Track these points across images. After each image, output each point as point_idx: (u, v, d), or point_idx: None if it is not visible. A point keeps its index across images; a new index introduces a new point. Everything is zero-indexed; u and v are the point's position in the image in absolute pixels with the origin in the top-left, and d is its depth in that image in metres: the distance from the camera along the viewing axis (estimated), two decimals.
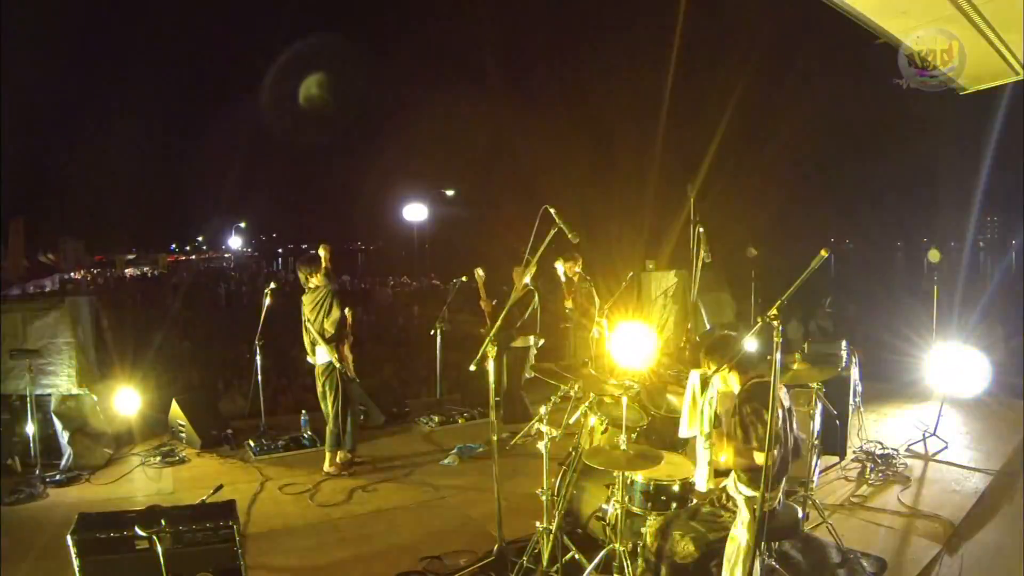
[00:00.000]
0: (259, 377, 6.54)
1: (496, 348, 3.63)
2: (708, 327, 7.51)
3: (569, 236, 3.66)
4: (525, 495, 4.02)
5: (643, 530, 3.28)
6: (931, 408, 5.95)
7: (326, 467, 5.30)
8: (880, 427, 6.00)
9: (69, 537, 2.86)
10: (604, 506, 3.49)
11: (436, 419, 6.68)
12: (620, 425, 3.24)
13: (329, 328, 5.23)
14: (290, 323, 5.74)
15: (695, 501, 3.30)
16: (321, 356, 5.27)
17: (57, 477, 5.10)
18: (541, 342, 6.58)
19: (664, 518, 3.22)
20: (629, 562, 3.16)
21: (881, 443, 5.36)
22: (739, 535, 2.93)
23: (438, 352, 7.49)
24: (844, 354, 5.21)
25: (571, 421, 3.85)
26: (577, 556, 3.47)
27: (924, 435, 5.57)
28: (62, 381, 5.49)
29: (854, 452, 5.29)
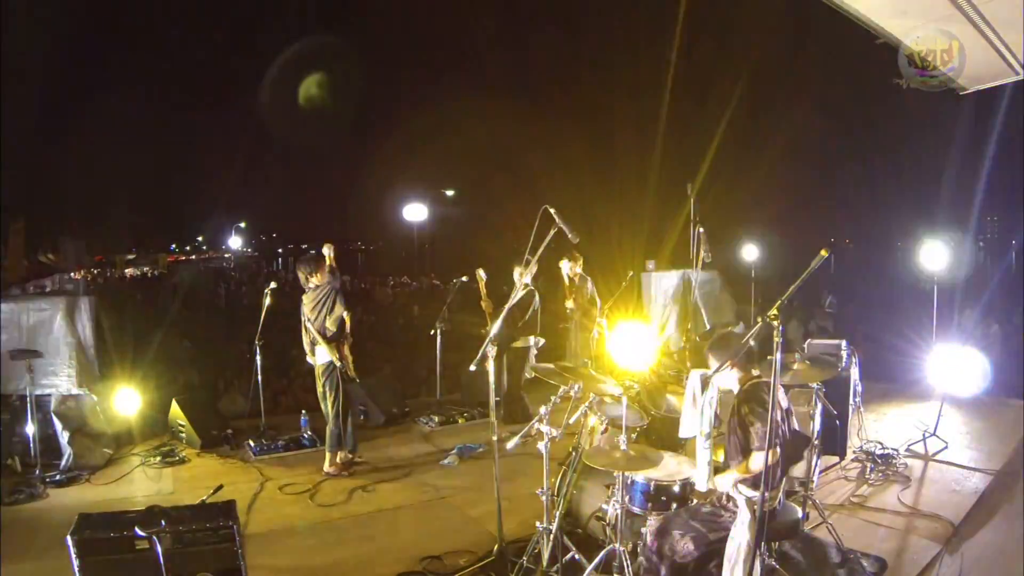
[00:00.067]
0: (259, 377, 6.54)
1: (496, 348, 3.64)
2: (708, 327, 7.52)
3: (569, 236, 3.67)
4: (525, 495, 4.02)
5: (643, 530, 3.28)
6: (931, 408, 5.95)
7: (326, 467, 5.30)
8: (880, 427, 6.00)
9: (69, 537, 2.86)
10: (604, 506, 3.49)
11: (436, 419, 6.68)
12: (620, 425, 3.24)
13: (331, 326, 5.23)
14: (290, 323, 5.75)
15: (695, 501, 3.30)
16: (321, 356, 5.27)
17: (57, 477, 5.10)
18: (541, 342, 6.58)
19: (664, 518, 3.21)
20: (629, 562, 3.16)
21: (881, 443, 5.36)
22: (739, 535, 2.93)
23: (438, 352, 7.49)
24: (844, 354, 5.21)
25: (571, 421, 3.85)
26: (577, 556, 3.47)
27: (924, 435, 5.57)
28: (62, 381, 5.49)
29: (854, 452, 5.29)
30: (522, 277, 5.49)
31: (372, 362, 9.62)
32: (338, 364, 5.23)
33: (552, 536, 3.45)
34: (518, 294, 6.06)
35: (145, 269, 37.00)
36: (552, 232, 3.67)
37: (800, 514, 3.35)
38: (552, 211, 3.61)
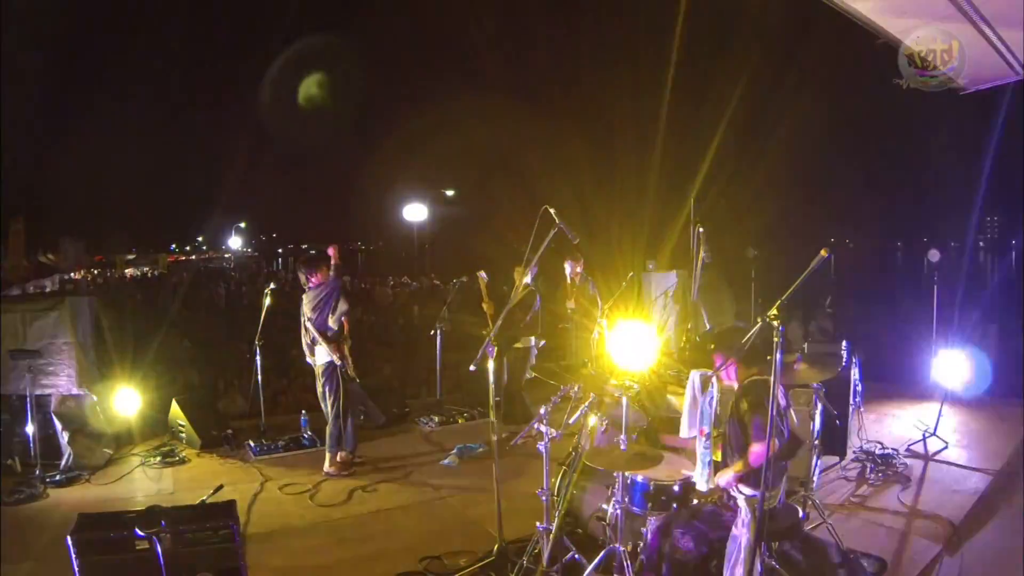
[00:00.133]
0: (259, 377, 6.54)
1: (497, 348, 3.64)
2: (708, 327, 7.51)
3: (569, 236, 3.67)
4: (525, 495, 4.02)
5: (643, 530, 3.28)
6: (931, 408, 5.95)
7: (326, 467, 5.30)
8: (880, 427, 6.00)
9: (69, 537, 2.86)
10: (604, 506, 3.49)
11: (436, 419, 6.68)
12: (620, 425, 3.24)
13: (334, 324, 5.23)
14: (290, 323, 5.75)
15: (696, 500, 3.30)
16: (321, 356, 5.27)
17: (57, 477, 5.10)
18: (542, 342, 6.58)
19: (665, 517, 3.21)
20: (629, 562, 3.16)
21: (881, 443, 5.36)
22: (739, 534, 2.93)
23: (438, 352, 7.49)
24: (844, 354, 5.21)
25: (571, 421, 3.85)
26: (577, 556, 3.47)
27: (924, 435, 5.57)
28: (62, 381, 5.49)
29: (854, 452, 5.29)
30: (522, 277, 5.48)
31: (372, 362, 9.62)
32: (339, 363, 5.22)
33: (552, 536, 3.45)
34: (518, 294, 6.10)
35: (145, 269, 36.99)
36: (552, 232, 3.68)
37: (800, 514, 3.35)
38: (552, 211, 3.61)
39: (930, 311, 6.64)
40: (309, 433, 6.01)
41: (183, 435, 5.99)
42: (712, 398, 3.13)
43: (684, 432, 3.33)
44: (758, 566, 2.74)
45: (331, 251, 5.46)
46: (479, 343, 3.62)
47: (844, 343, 5.32)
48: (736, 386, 3.16)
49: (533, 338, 6.51)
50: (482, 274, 6.49)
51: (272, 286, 6.65)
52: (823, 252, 2.48)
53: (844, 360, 5.15)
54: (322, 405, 5.38)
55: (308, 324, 5.28)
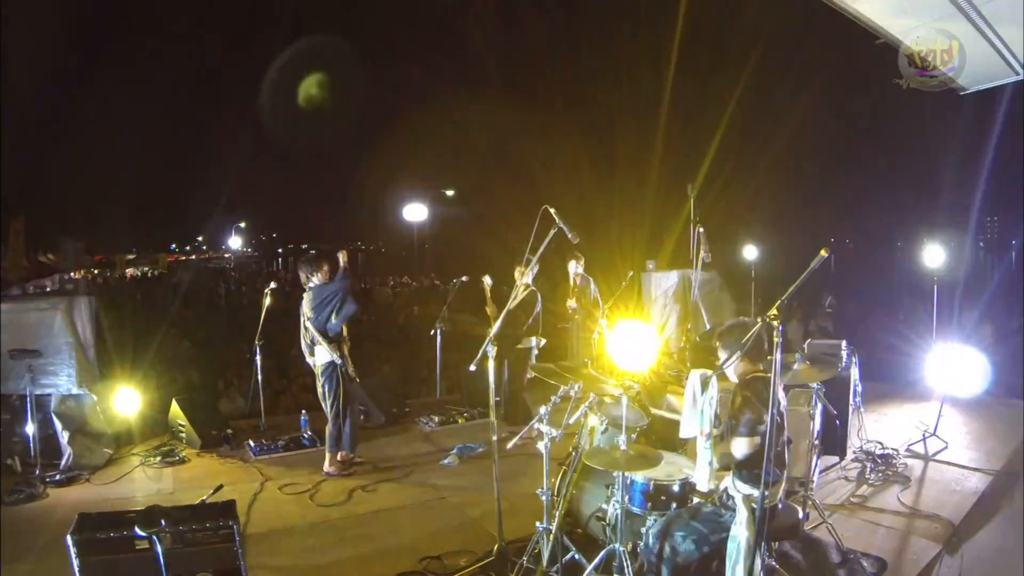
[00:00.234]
0: (259, 377, 6.55)
1: (496, 348, 3.64)
2: (708, 327, 7.51)
3: (569, 236, 3.67)
4: (525, 495, 4.02)
5: (643, 530, 3.28)
6: (931, 408, 5.95)
7: (326, 467, 5.30)
8: (880, 427, 5.99)
9: (69, 537, 2.86)
10: (604, 506, 3.49)
11: (436, 419, 6.67)
12: (620, 425, 3.24)
13: (337, 325, 5.23)
14: (290, 323, 5.75)
15: (697, 500, 3.30)
16: (321, 356, 5.27)
17: (57, 477, 5.10)
18: (542, 342, 6.59)
19: (665, 519, 3.21)
20: (629, 562, 3.16)
21: (881, 443, 5.36)
22: (739, 534, 2.93)
23: (438, 352, 7.50)
24: (844, 354, 5.21)
25: (571, 421, 3.85)
26: (577, 556, 3.47)
27: (924, 435, 5.57)
28: (62, 381, 5.49)
29: (854, 452, 5.29)
30: (522, 277, 5.48)
31: (372, 362, 9.63)
32: (339, 363, 5.22)
33: (552, 536, 3.45)
34: (518, 294, 6.10)
35: (145, 269, 37.00)
36: (552, 232, 3.68)
37: (800, 514, 3.35)
38: (552, 211, 3.61)
39: (930, 311, 6.64)
40: (309, 433, 6.01)
41: (183, 435, 5.99)
42: (712, 398, 3.13)
43: (684, 432, 3.32)
44: (758, 566, 2.74)
45: (341, 256, 5.49)
46: (479, 343, 3.62)
47: (844, 343, 5.32)
48: (735, 382, 3.16)
49: (534, 338, 6.51)
50: (486, 279, 6.50)
51: (272, 286, 6.65)
52: (823, 252, 2.48)
53: (844, 360, 5.15)
54: (322, 405, 5.38)
55: (308, 324, 5.28)
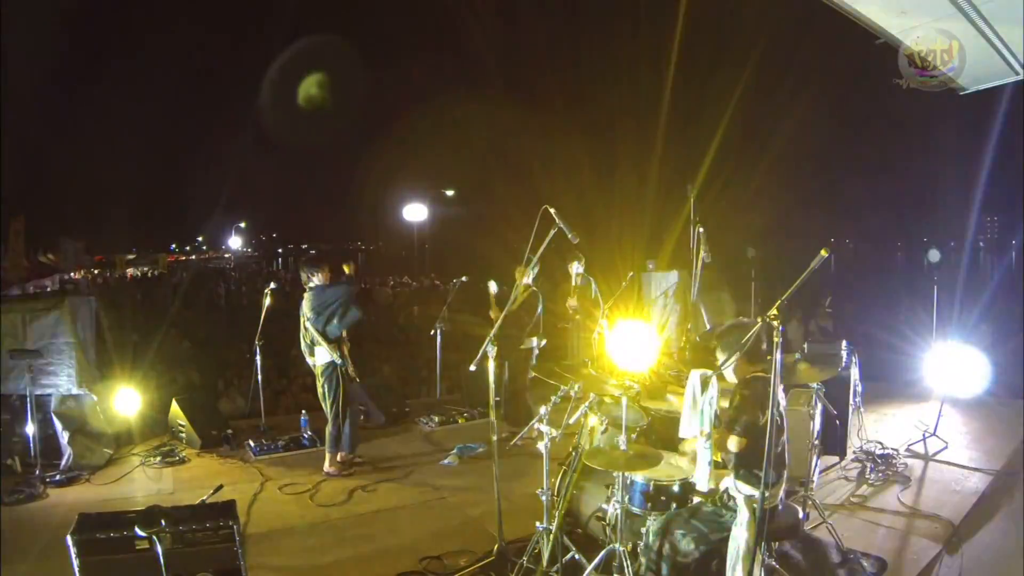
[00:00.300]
0: (259, 377, 6.55)
1: (497, 348, 3.64)
2: (708, 327, 7.51)
3: (569, 236, 3.67)
4: (525, 495, 4.02)
5: (643, 530, 3.28)
6: (931, 408, 5.95)
7: (326, 467, 5.30)
8: (880, 427, 6.00)
9: (69, 537, 2.86)
10: (604, 506, 3.49)
11: (436, 419, 6.68)
12: (620, 425, 3.24)
13: (338, 330, 5.23)
14: (290, 323, 5.75)
15: (697, 500, 3.30)
16: (321, 356, 5.27)
17: (57, 477, 5.10)
18: (543, 342, 6.59)
19: (666, 518, 3.22)
20: (629, 562, 3.16)
21: (881, 443, 5.36)
22: (739, 534, 2.93)
23: (438, 352, 7.50)
24: (844, 354, 5.21)
25: (571, 421, 3.85)
26: (577, 556, 3.47)
27: (924, 435, 5.57)
28: (62, 381, 5.49)
29: (854, 452, 5.29)
30: (523, 277, 5.47)
31: (372, 362, 9.64)
32: (339, 363, 5.22)
33: (552, 536, 3.45)
34: (519, 294, 6.10)
35: (145, 269, 37.01)
36: (552, 232, 3.68)
37: (800, 514, 3.35)
38: (552, 211, 3.61)
39: (930, 311, 6.64)
40: (309, 433, 6.01)
41: (183, 435, 5.99)
42: (712, 398, 3.13)
43: (684, 432, 3.32)
44: (759, 566, 2.75)
45: (346, 267, 5.51)
46: (479, 343, 3.62)
47: (844, 343, 5.32)
48: (735, 383, 3.16)
49: (535, 338, 6.51)
50: (492, 284, 6.49)
51: (272, 286, 6.65)
52: (823, 252, 2.48)
53: (844, 360, 5.15)
54: (322, 405, 5.38)
55: (308, 324, 5.28)
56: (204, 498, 3.81)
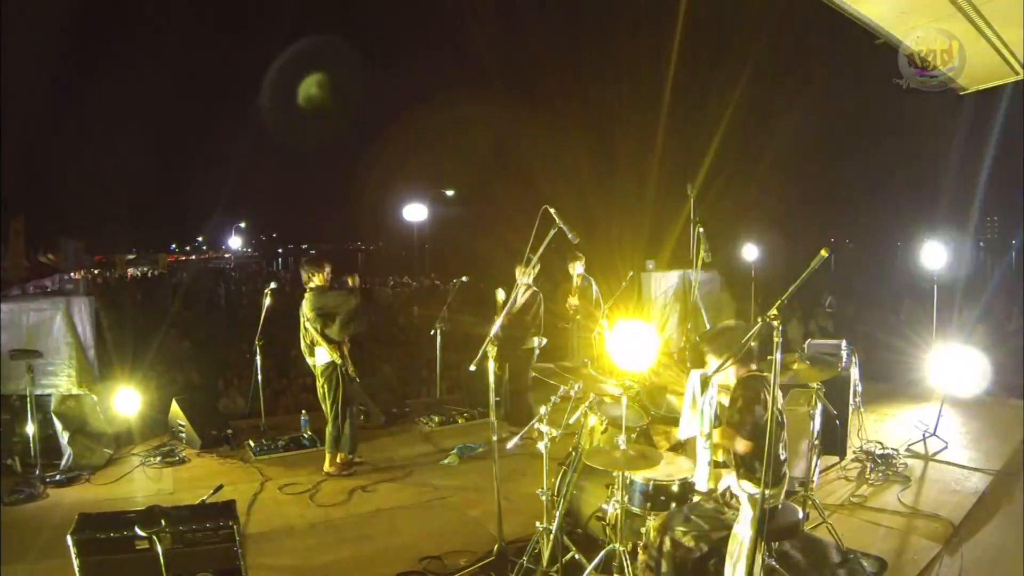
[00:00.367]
0: (259, 377, 6.55)
1: (498, 348, 3.64)
2: (708, 327, 7.51)
3: (569, 236, 3.67)
4: (525, 495, 4.02)
5: (643, 529, 3.28)
6: (931, 408, 5.95)
7: (326, 467, 5.30)
8: (880, 427, 6.00)
9: (69, 537, 2.86)
10: (604, 506, 3.49)
11: (436, 419, 6.67)
12: (620, 425, 3.24)
13: (338, 335, 5.23)
14: (290, 323, 5.75)
15: (697, 499, 3.31)
16: (321, 357, 5.27)
17: (57, 477, 5.10)
18: (544, 341, 6.59)
19: (667, 515, 3.22)
20: (629, 562, 3.16)
21: (881, 443, 5.35)
22: (741, 532, 2.93)
23: (438, 352, 7.49)
24: (844, 354, 5.21)
25: (571, 421, 3.85)
26: (577, 556, 3.47)
27: (924, 435, 5.57)
28: (62, 381, 5.49)
29: (854, 452, 5.29)
30: (523, 277, 5.47)
31: (372, 362, 9.63)
32: (339, 363, 5.22)
33: (552, 536, 3.45)
34: (518, 293, 6.10)
35: (145, 269, 37.02)
36: (552, 232, 3.68)
37: (800, 514, 3.35)
38: (552, 211, 3.61)
39: (930, 311, 6.64)
40: (309, 433, 6.01)
41: (183, 435, 5.99)
42: (712, 398, 3.13)
43: (684, 432, 3.32)
44: (759, 566, 2.75)
45: (351, 281, 5.52)
46: (479, 343, 3.62)
47: (844, 343, 5.32)
48: (732, 383, 3.17)
49: (536, 338, 6.52)
50: (500, 292, 6.49)
51: (272, 286, 6.64)
52: (823, 252, 2.48)
53: (844, 360, 5.15)
54: (322, 405, 5.38)
55: (308, 325, 5.28)
56: (204, 498, 3.82)
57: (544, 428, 3.50)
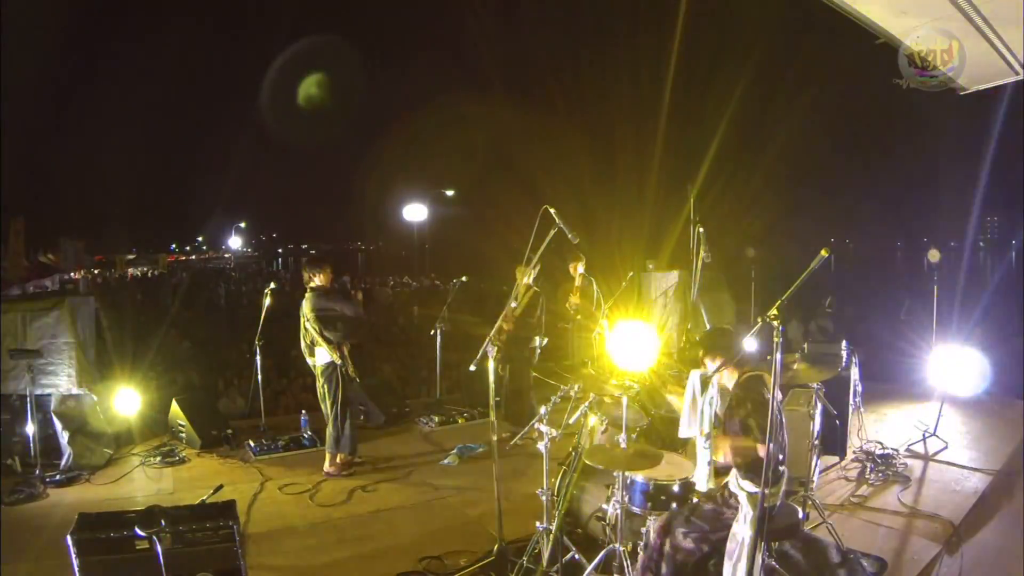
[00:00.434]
0: (259, 377, 6.55)
1: (498, 349, 3.64)
2: (708, 327, 7.51)
3: (569, 236, 3.67)
4: (525, 495, 4.02)
5: (643, 529, 3.28)
6: (931, 408, 5.95)
7: (326, 467, 5.30)
8: (880, 427, 6.00)
9: (69, 537, 2.86)
10: (604, 506, 3.49)
11: (436, 419, 6.67)
12: (620, 425, 3.24)
13: (337, 338, 5.23)
14: (290, 323, 5.75)
15: (697, 499, 3.30)
16: (321, 357, 5.27)
17: (57, 477, 5.10)
18: (545, 341, 6.59)
19: (667, 516, 3.22)
20: (629, 562, 3.16)
21: (881, 443, 5.36)
22: (740, 531, 2.93)
23: (438, 352, 7.49)
24: (844, 354, 5.21)
25: (571, 421, 3.85)
26: (577, 556, 3.47)
27: (924, 435, 5.57)
28: (62, 381, 5.49)
29: (854, 452, 5.29)
30: (523, 277, 5.47)
31: (372, 362, 9.64)
32: (339, 363, 5.22)
33: (552, 536, 3.45)
34: (519, 294, 6.10)
35: (145, 269, 37.03)
36: (552, 232, 3.68)
37: (800, 514, 3.35)
38: (552, 211, 3.61)
39: (930, 311, 6.64)
40: (309, 433, 6.01)
41: (183, 435, 5.99)
42: (712, 398, 3.13)
43: (684, 432, 3.32)
44: (758, 566, 2.74)
45: (359, 295, 5.54)
46: (479, 343, 3.62)
47: (844, 343, 5.32)
48: (731, 384, 3.16)
49: (537, 338, 6.52)
50: (512, 303, 6.50)
51: (272, 286, 6.64)
52: (823, 252, 2.48)
53: (844, 360, 5.15)
54: (322, 406, 5.38)
55: (308, 325, 5.28)
56: (204, 498, 3.82)
57: (544, 428, 3.50)
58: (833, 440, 5.00)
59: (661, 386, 4.34)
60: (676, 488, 3.37)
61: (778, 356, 2.52)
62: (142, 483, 5.22)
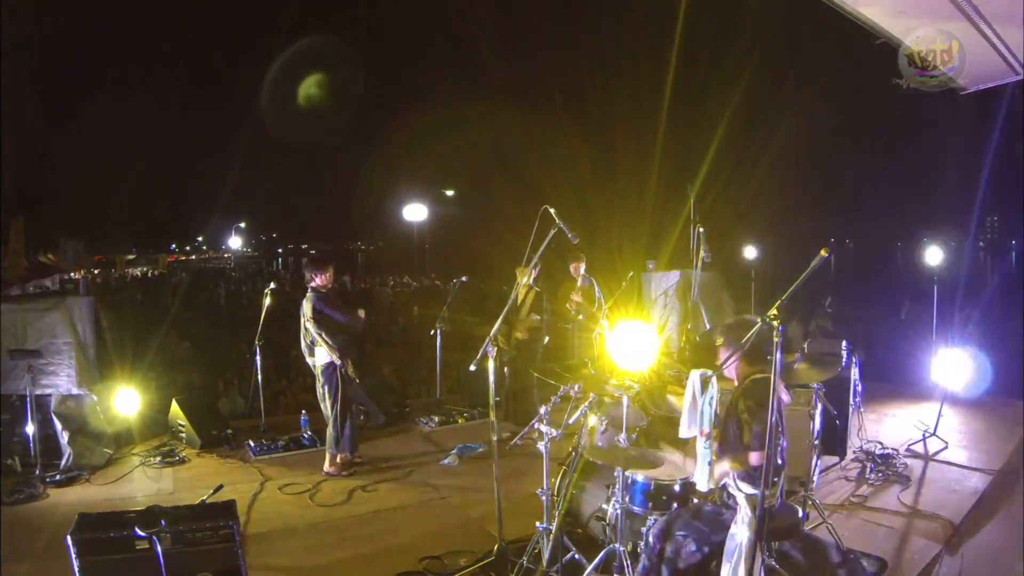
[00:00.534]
0: (259, 377, 6.55)
1: (498, 349, 3.64)
2: (708, 327, 7.51)
3: (569, 236, 3.67)
4: (525, 495, 4.02)
5: (644, 530, 3.28)
6: (931, 408, 5.95)
7: (326, 467, 5.30)
8: (880, 427, 6.00)
9: (69, 537, 2.86)
10: (604, 506, 3.49)
11: (436, 419, 6.68)
12: (620, 425, 3.24)
13: (333, 341, 5.23)
14: (290, 323, 5.75)
15: (697, 500, 3.30)
16: (321, 357, 5.27)
17: (57, 477, 5.10)
18: (546, 340, 6.60)
19: (666, 519, 3.22)
20: (629, 562, 3.16)
21: (881, 443, 5.36)
22: (739, 533, 2.93)
23: (438, 352, 7.50)
24: (844, 354, 5.21)
25: (571, 421, 3.85)
26: (577, 556, 3.47)
27: (924, 435, 5.57)
28: (62, 381, 5.49)
29: (854, 452, 5.29)
30: (524, 278, 5.47)
31: (372, 362, 9.63)
32: (339, 363, 5.22)
33: (552, 536, 3.45)
34: (520, 294, 6.11)
35: (145, 269, 37.03)
36: (552, 232, 3.68)
37: (800, 514, 3.35)
38: (552, 211, 3.61)
39: (930, 311, 6.65)
40: (309, 433, 6.01)
41: (183, 435, 5.99)
42: (712, 398, 3.12)
43: (684, 432, 3.32)
44: (758, 566, 2.74)
45: (360, 313, 5.56)
46: (479, 343, 3.62)
47: (844, 343, 5.32)
48: (736, 383, 3.16)
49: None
50: (534, 316, 6.50)
51: (272, 286, 6.65)
52: (823, 252, 2.48)
53: (844, 360, 5.15)
54: (321, 406, 5.38)
55: (308, 325, 5.28)
56: (204, 498, 3.82)
57: (544, 428, 3.50)
58: (833, 440, 5.00)
59: (661, 386, 4.34)
60: (677, 488, 3.37)
61: (778, 356, 2.51)
62: (142, 483, 5.22)
